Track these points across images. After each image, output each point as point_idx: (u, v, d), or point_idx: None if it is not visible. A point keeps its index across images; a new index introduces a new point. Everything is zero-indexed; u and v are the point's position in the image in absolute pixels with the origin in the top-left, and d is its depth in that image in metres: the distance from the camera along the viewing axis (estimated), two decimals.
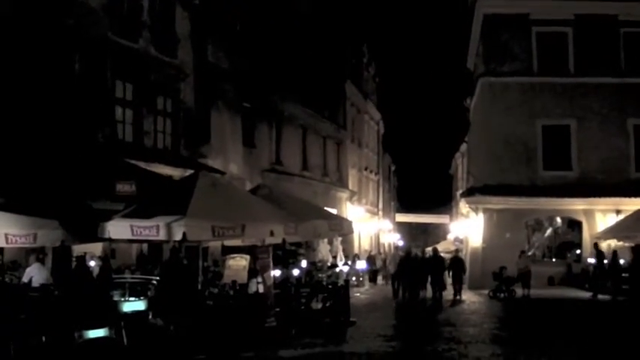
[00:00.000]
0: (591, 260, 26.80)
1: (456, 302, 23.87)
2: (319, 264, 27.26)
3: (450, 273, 25.76)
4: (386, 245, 60.49)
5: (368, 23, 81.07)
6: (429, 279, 24.54)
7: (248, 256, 15.22)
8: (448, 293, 24.99)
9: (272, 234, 13.64)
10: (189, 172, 17.98)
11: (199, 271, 14.08)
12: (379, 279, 36.54)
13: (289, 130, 34.34)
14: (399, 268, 25.22)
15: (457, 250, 29.61)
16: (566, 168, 30.35)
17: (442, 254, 27.29)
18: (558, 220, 31.06)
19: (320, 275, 23.52)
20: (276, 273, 15.94)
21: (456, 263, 26.22)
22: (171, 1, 24.23)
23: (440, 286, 24.28)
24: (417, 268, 24.51)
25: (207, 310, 12.80)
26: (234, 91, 27.45)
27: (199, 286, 13.60)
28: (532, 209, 30.43)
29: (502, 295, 24.97)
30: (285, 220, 14.14)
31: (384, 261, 37.72)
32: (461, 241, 43.18)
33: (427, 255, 28.21)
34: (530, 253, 29.39)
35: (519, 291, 25.16)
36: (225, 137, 26.88)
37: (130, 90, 21.89)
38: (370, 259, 37.55)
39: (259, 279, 14.88)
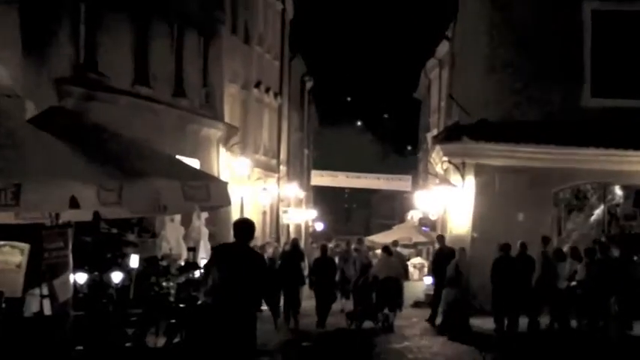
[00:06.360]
0: None
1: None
2: (164, 262, 23.47)
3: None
4: (291, 227, 54.82)
5: None
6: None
7: (27, 246, 13.15)
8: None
9: (73, 203, 11.12)
10: None
11: None
12: None
13: (114, 12, 28.62)
14: (311, 273, 25.45)
15: (442, 237, 25.99)
16: (633, 95, 24.75)
17: (399, 248, 28.04)
18: (617, 190, 26.52)
19: (165, 284, 20.86)
20: (80, 278, 14.82)
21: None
22: None
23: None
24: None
25: None
26: None
27: None
28: (567, 170, 25.13)
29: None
30: (100, 177, 11.62)
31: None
32: (431, 227, 41.15)
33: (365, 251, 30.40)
34: (565, 249, 23.48)
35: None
36: None
37: None
38: None
39: (45, 290, 12.72)
